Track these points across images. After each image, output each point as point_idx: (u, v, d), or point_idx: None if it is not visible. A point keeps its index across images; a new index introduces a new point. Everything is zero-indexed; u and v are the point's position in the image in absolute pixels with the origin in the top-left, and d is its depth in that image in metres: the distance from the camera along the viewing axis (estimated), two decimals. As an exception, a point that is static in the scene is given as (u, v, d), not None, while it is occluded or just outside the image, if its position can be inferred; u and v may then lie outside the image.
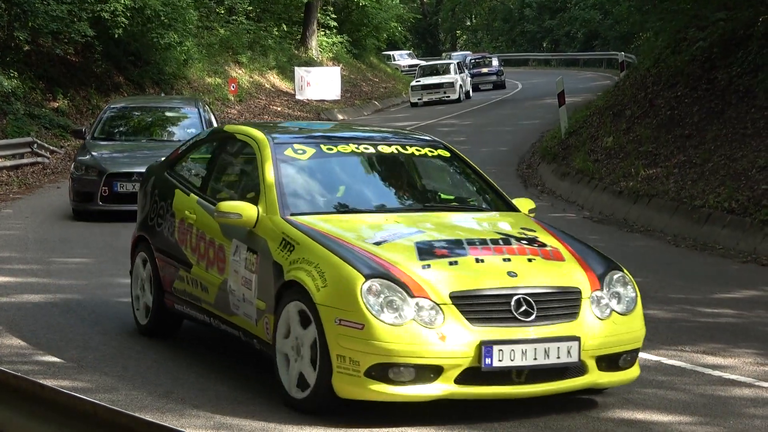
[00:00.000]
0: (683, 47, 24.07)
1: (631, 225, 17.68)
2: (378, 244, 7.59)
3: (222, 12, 47.45)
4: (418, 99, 48.75)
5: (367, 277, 7.13)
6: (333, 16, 56.99)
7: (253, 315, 8.01)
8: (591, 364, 7.33)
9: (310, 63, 50.65)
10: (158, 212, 9.74)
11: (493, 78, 59.51)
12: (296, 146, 8.74)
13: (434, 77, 50.08)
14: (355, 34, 59.88)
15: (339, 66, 52.41)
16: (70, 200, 18.20)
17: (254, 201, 8.31)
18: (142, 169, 16.94)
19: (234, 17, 47.79)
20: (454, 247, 7.60)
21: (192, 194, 9.32)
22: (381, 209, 8.39)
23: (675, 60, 24.03)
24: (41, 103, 30.77)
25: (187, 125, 19.51)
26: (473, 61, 61.90)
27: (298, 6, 53.99)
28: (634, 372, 7.70)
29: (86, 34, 30.56)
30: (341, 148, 8.79)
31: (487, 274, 7.33)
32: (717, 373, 8.79)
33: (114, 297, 11.65)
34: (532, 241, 7.91)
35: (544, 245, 7.85)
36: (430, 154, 9.11)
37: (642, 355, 8.50)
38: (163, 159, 10.73)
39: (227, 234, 8.48)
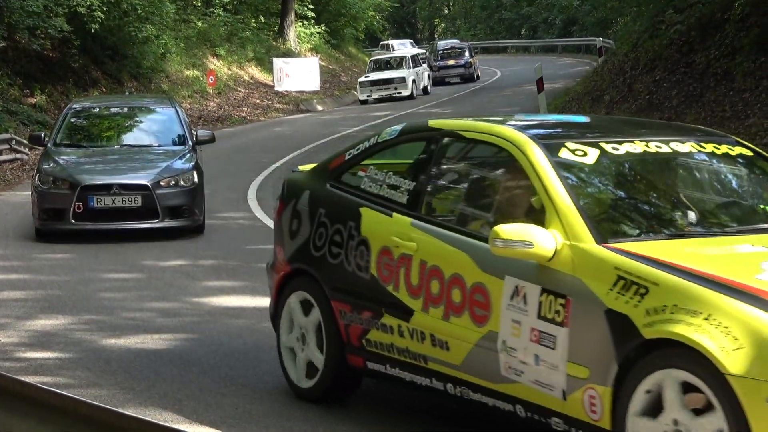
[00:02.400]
0: (661, 31, 24.12)
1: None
2: None
3: (199, 4, 47.33)
4: (367, 96, 45.07)
5: None
6: (311, 6, 56.91)
7: (559, 384, 5.81)
8: None
9: (288, 54, 50.59)
10: (331, 239, 7.35)
11: (461, 70, 55.60)
12: (571, 146, 6.51)
13: (385, 72, 46.30)
14: (332, 24, 59.80)
15: (317, 56, 52.39)
16: (34, 218, 15.31)
17: (532, 222, 6.14)
18: (122, 180, 15.08)
19: (211, 9, 47.68)
20: None
21: (396, 214, 7.00)
22: (723, 230, 6.31)
23: (653, 44, 24.07)
24: (19, 99, 30.64)
25: (165, 127, 16.73)
26: (441, 52, 58.41)
27: (275, -3, 53.99)
28: None
29: (63, 29, 30.44)
30: (628, 147, 6.56)
31: None
32: None
33: (96, 292, 11.61)
34: None
35: None
36: (730, 152, 6.85)
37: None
38: (302, 168, 8.41)
39: (492, 269, 6.23)
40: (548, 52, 73.19)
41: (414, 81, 46.16)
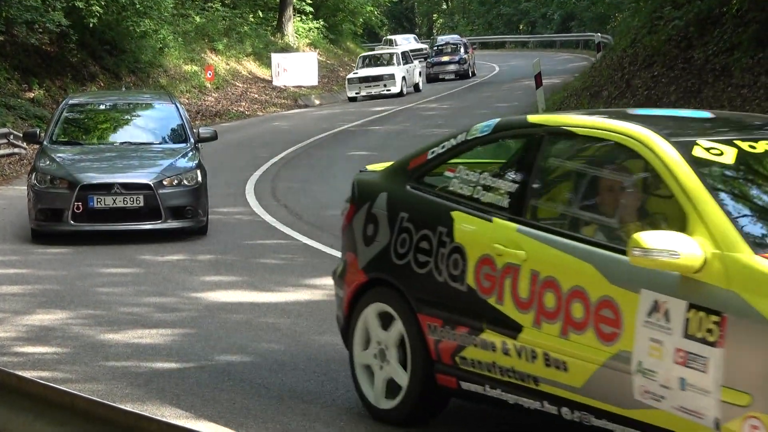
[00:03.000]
0: (659, 27, 24.13)
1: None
2: None
3: (197, -1, 47.37)
4: (356, 93, 43.78)
5: None
6: (309, 1, 56.91)
7: (711, 412, 5.20)
8: None
9: (286, 49, 50.59)
10: (416, 246, 6.66)
11: (454, 67, 54.13)
12: (704, 143, 5.81)
13: (374, 69, 44.91)
14: (331, 19, 59.82)
15: (315, 52, 52.39)
16: (30, 219, 14.67)
17: (667, 229, 5.55)
18: (124, 179, 14.40)
19: (209, 4, 47.68)
20: None
21: (497, 219, 6.32)
22: None
23: (651, 40, 24.08)
24: (17, 93, 30.63)
25: (165, 124, 16.04)
26: (436, 48, 57.07)
27: (273, -8, 54.00)
28: None
29: (61, 23, 30.43)
30: (766, 145, 5.89)
31: None
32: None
33: (94, 287, 11.61)
34: None
35: None
36: None
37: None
38: (371, 167, 7.72)
39: (623, 282, 5.58)
40: (546, 48, 73.28)
41: (404, 78, 44.66)
